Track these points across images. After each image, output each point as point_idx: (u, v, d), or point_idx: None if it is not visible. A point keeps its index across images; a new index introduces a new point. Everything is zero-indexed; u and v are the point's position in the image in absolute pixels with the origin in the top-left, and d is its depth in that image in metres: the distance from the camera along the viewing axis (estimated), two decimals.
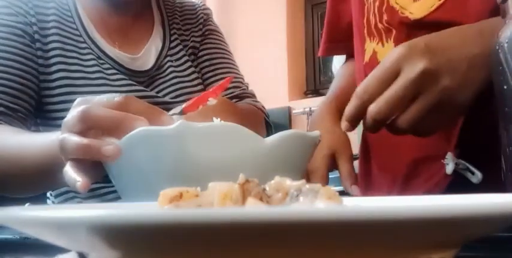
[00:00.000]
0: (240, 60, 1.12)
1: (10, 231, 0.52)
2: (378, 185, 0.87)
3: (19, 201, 0.83)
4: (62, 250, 0.35)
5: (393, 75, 0.58)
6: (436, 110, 0.59)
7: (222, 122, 0.54)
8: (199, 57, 1.04)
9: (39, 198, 0.92)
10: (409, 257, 0.27)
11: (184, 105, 0.69)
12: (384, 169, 0.86)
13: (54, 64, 0.91)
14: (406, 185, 0.80)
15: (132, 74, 0.96)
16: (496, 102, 0.52)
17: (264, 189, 0.35)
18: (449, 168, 0.70)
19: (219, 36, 1.09)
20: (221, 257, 0.26)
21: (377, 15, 0.80)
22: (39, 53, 0.91)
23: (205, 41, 1.06)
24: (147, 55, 0.98)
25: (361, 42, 0.84)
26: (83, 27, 0.96)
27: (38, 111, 0.91)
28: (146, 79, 0.97)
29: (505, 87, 0.49)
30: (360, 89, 0.60)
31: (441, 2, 0.73)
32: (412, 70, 0.57)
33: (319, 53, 1.03)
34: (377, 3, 0.79)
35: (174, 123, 0.54)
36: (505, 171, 0.51)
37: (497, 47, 0.50)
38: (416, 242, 0.27)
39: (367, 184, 0.89)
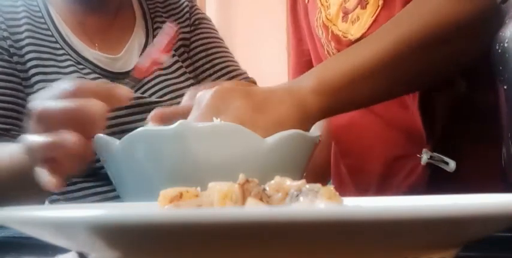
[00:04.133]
0: (238, 60, 1.10)
1: (10, 231, 0.52)
2: (351, 188, 0.89)
3: None
4: (62, 250, 0.35)
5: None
6: None
7: (222, 122, 0.54)
8: (192, 49, 1.00)
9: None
10: (409, 257, 0.27)
11: (134, 70, 0.63)
12: (356, 171, 0.88)
13: (32, 76, 0.87)
14: (383, 184, 0.83)
15: (115, 76, 0.91)
16: (495, 102, 0.52)
17: (264, 189, 0.35)
18: (424, 159, 0.75)
19: (209, 24, 1.05)
20: (221, 256, 0.26)
21: (325, 44, 0.87)
22: (18, 67, 0.87)
23: (196, 31, 1.01)
24: (129, 54, 0.94)
25: None
26: (58, 32, 0.91)
27: None
28: (130, 80, 0.93)
29: (505, 87, 0.49)
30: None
31: (373, 19, 0.79)
32: (206, 96, 0.57)
33: None
34: (324, 34, 0.87)
35: (131, 93, 0.54)
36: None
37: (497, 47, 0.50)
38: (416, 242, 0.27)
39: (340, 187, 0.91)
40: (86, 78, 0.88)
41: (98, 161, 0.80)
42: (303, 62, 0.98)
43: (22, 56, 0.88)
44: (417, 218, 0.24)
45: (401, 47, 0.63)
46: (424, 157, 0.75)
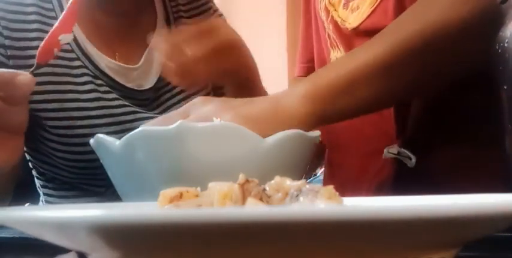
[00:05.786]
0: None
1: (10, 231, 0.52)
2: (337, 181, 0.91)
3: (19, 201, 0.83)
4: (62, 250, 0.35)
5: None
6: None
7: (222, 122, 0.54)
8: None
9: (39, 198, 0.92)
10: (409, 257, 0.27)
11: (37, 54, 0.59)
12: (338, 165, 0.91)
13: (43, 93, 0.78)
14: (359, 178, 0.85)
15: (133, 93, 0.84)
16: (481, 102, 0.53)
17: (264, 189, 0.35)
18: (385, 153, 0.77)
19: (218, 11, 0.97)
20: (221, 256, 0.26)
21: (326, 27, 0.88)
22: None
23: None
24: (147, 63, 0.86)
25: (327, 53, 0.90)
26: (74, 37, 0.79)
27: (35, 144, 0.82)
28: (150, 95, 0.86)
29: (505, 87, 0.49)
30: None
31: (372, 9, 0.80)
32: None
33: (297, 73, 1.07)
34: (325, 17, 0.89)
35: (33, 80, 0.52)
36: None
37: (497, 47, 0.50)
38: (416, 242, 0.27)
39: (330, 180, 0.93)
40: (104, 98, 0.81)
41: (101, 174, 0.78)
42: (310, 43, 0.98)
43: (28, 67, 0.76)
44: (417, 218, 0.24)
45: (403, 48, 0.61)
46: (385, 152, 0.77)
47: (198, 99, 0.60)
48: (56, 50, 0.57)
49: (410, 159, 0.76)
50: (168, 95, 0.87)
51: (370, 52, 0.62)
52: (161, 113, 0.85)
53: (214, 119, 0.55)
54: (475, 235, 0.29)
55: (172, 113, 0.60)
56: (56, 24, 0.59)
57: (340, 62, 0.66)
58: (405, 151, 0.76)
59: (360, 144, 0.85)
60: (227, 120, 0.55)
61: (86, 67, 0.81)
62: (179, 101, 0.86)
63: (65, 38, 0.56)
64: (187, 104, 0.60)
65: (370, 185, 0.82)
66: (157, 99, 0.86)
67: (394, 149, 0.77)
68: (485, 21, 0.62)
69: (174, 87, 0.87)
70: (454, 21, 0.62)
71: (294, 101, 0.59)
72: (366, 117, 0.82)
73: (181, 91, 0.87)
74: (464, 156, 0.77)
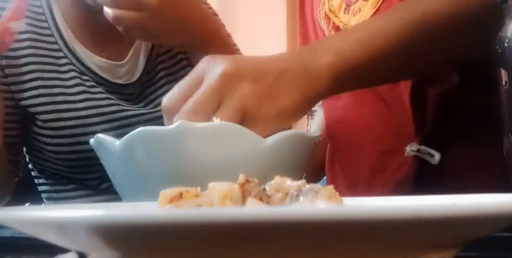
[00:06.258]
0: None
1: (10, 231, 0.52)
2: (342, 182, 0.90)
3: (19, 201, 0.83)
4: (62, 250, 0.35)
5: (196, 83, 0.56)
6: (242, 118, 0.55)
7: (222, 122, 0.54)
8: None
9: (39, 198, 0.92)
10: (409, 257, 0.27)
11: None
12: (348, 166, 0.89)
13: (32, 89, 0.82)
14: (372, 179, 0.83)
15: (120, 88, 0.87)
16: (495, 102, 0.52)
17: (264, 189, 0.35)
18: (407, 151, 0.75)
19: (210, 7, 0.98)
20: (221, 256, 0.26)
21: (326, 35, 0.87)
22: (9, 79, 0.81)
23: None
24: (134, 59, 0.89)
25: None
26: (62, 37, 0.85)
27: (28, 139, 0.85)
28: (136, 89, 0.88)
29: (506, 87, 0.50)
30: (164, 101, 0.58)
31: (374, 10, 0.79)
32: (213, 74, 0.55)
33: None
34: (325, 25, 0.88)
35: None
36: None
37: (497, 47, 0.50)
38: (416, 242, 0.27)
39: (333, 182, 0.91)
40: (89, 91, 0.85)
41: (96, 169, 0.80)
42: None
43: (19, 67, 0.82)
44: (417, 218, 0.24)
45: (420, 24, 0.62)
46: (408, 149, 0.75)
47: (229, 74, 0.54)
48: (8, 38, 0.57)
49: (432, 156, 0.74)
50: (153, 88, 0.89)
51: (390, 24, 0.62)
52: (146, 106, 0.88)
53: (214, 119, 0.54)
54: (475, 235, 0.29)
55: (209, 92, 0.54)
56: (6, 13, 0.59)
57: (359, 30, 0.64)
58: (426, 148, 0.75)
59: (373, 144, 0.83)
60: (268, 122, 0.55)
61: (72, 64, 0.85)
62: (163, 94, 0.85)
63: (16, 26, 0.57)
64: (218, 78, 0.54)
65: (385, 185, 0.80)
66: (142, 93, 0.89)
67: (414, 147, 0.75)
68: (483, 17, 0.62)
69: (158, 81, 0.89)
70: (451, 10, 0.64)
71: (323, 78, 0.57)
72: (379, 116, 0.82)
73: (166, 84, 0.89)
74: (488, 157, 0.76)
